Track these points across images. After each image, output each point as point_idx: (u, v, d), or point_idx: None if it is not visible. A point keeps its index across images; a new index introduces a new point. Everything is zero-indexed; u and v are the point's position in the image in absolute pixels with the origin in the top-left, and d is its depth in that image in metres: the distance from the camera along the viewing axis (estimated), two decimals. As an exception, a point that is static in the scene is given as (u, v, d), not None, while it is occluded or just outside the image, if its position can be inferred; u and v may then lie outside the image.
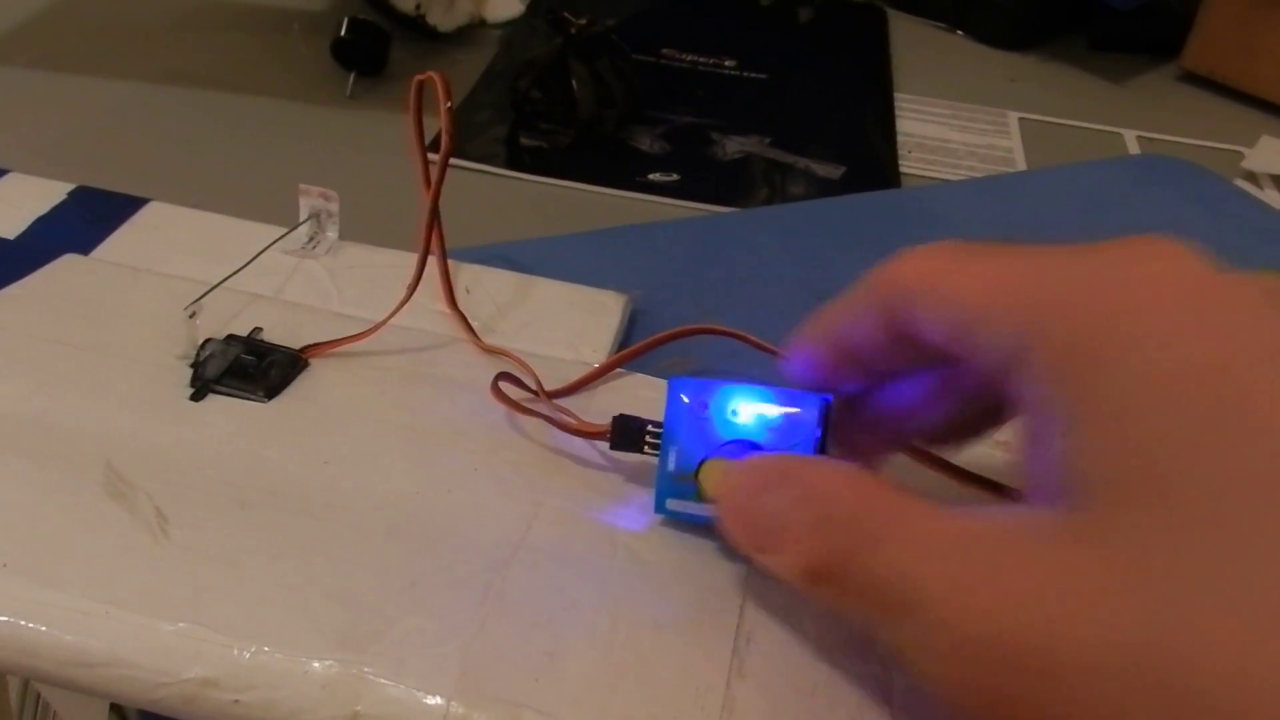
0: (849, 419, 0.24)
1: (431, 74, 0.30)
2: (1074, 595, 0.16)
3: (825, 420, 0.24)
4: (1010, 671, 0.16)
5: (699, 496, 0.24)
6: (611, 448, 0.26)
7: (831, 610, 0.21)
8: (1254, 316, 0.16)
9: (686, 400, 0.24)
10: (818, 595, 0.20)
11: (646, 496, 0.26)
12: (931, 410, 0.23)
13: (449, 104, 0.30)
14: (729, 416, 0.24)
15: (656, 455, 0.25)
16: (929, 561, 0.18)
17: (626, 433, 0.26)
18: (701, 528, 0.25)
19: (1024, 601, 0.16)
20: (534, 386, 0.29)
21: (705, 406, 0.24)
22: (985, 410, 0.23)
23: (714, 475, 0.24)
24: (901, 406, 0.24)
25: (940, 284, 0.20)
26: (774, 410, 0.24)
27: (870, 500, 0.19)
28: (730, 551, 0.25)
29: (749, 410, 0.24)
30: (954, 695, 0.17)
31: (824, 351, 0.23)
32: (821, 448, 0.24)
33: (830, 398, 0.24)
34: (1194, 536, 0.15)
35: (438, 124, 0.30)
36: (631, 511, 0.26)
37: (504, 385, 0.28)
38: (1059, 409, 0.17)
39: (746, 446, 0.24)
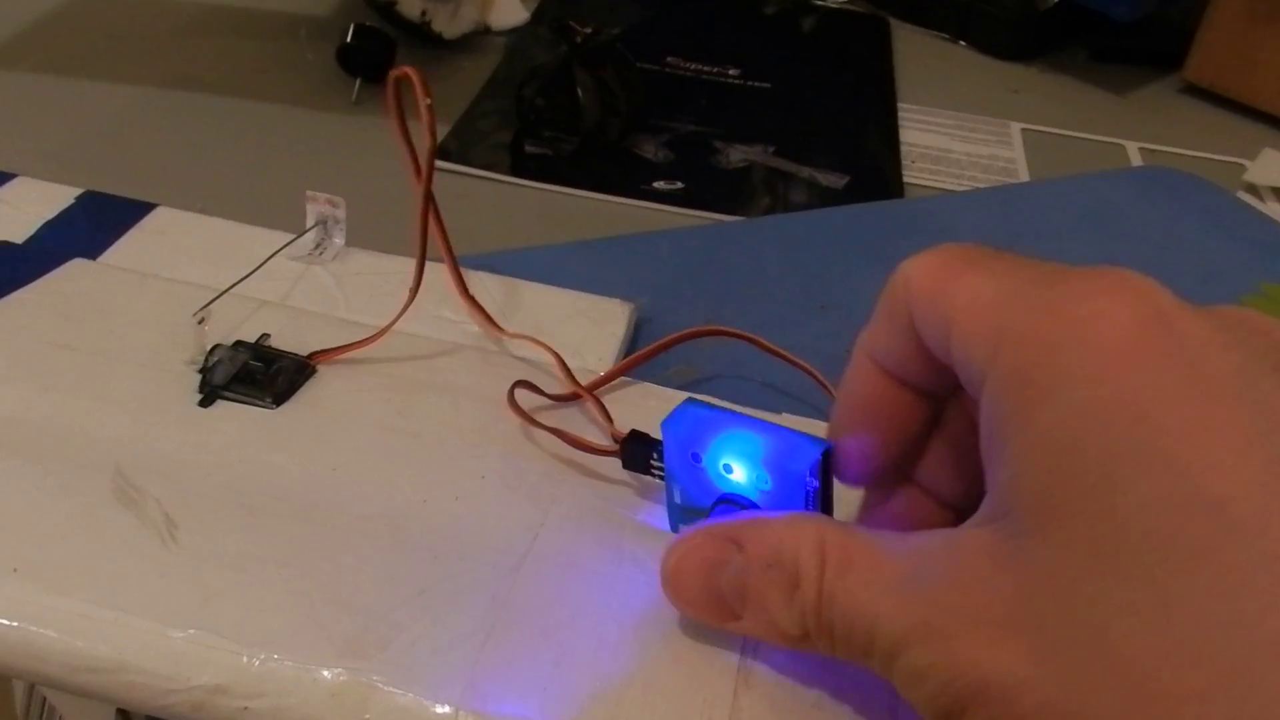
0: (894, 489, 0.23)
1: (407, 70, 0.29)
2: (999, 627, 0.17)
3: (824, 472, 0.22)
4: (961, 700, 0.17)
5: None
6: (624, 466, 0.26)
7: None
8: (1192, 353, 0.17)
9: (679, 448, 0.23)
10: (803, 650, 0.21)
11: (654, 508, 0.26)
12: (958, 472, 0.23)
13: (429, 101, 0.29)
14: (721, 471, 0.23)
15: (663, 479, 0.25)
16: (881, 603, 0.19)
17: (636, 455, 0.26)
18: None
19: (960, 632, 0.17)
20: (561, 379, 0.29)
21: (699, 459, 0.23)
22: None
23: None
24: (935, 473, 0.23)
25: (933, 291, 0.20)
26: (764, 480, 0.23)
27: (826, 551, 0.20)
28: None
29: (741, 468, 0.23)
30: None
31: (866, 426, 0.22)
32: (822, 500, 0.22)
33: (830, 445, 0.22)
34: (1097, 572, 0.16)
35: (441, 128, 0.30)
36: (639, 523, 0.26)
37: (520, 393, 0.28)
38: (1003, 433, 0.18)
39: (741, 504, 0.23)
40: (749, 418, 0.23)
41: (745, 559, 0.21)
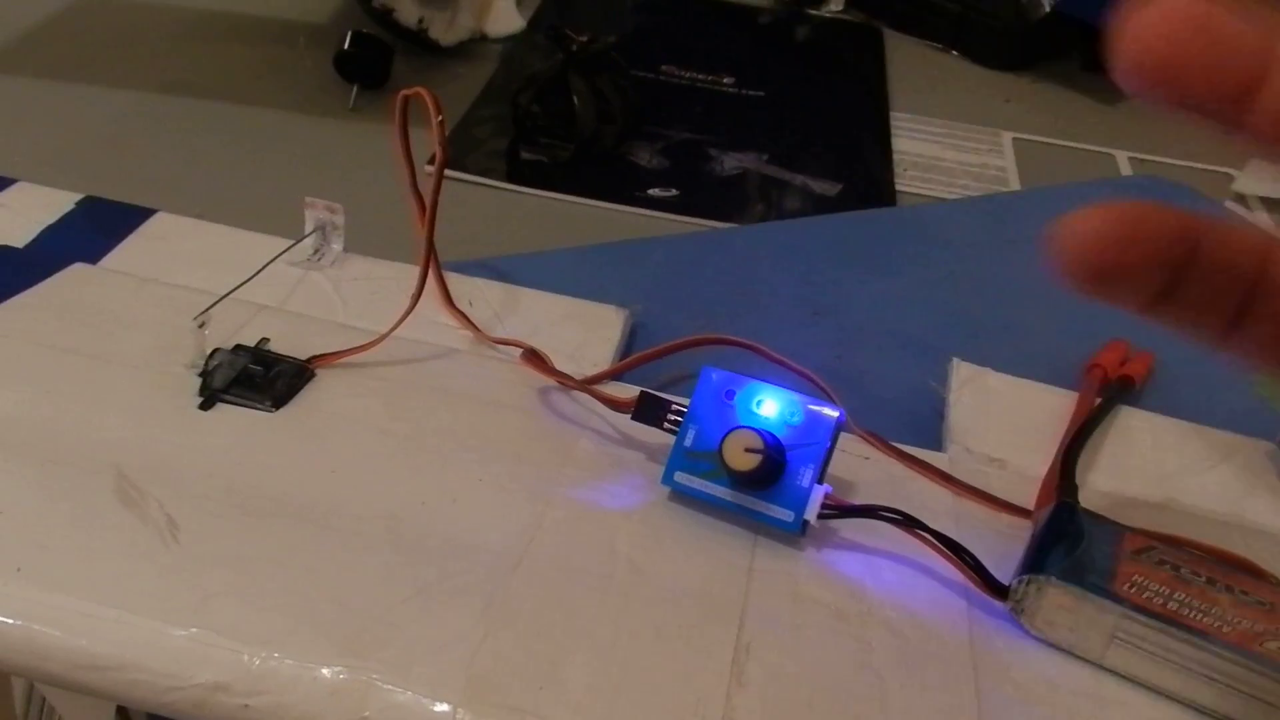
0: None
1: (419, 90, 0.30)
2: None
3: (834, 437, 0.26)
4: None
5: (711, 475, 0.27)
6: (633, 418, 0.28)
7: None
8: None
9: (715, 387, 0.27)
10: None
11: (648, 511, 0.27)
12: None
13: (440, 118, 0.30)
14: (753, 407, 0.27)
15: (674, 431, 0.27)
16: None
17: (650, 408, 0.28)
18: (698, 531, 0.26)
19: None
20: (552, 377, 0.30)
21: (732, 395, 0.27)
22: None
23: (739, 443, 0.25)
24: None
25: None
26: (795, 413, 0.26)
27: None
28: (730, 563, 0.26)
29: (772, 406, 0.27)
30: None
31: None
32: (826, 461, 0.26)
33: (844, 416, 0.26)
34: None
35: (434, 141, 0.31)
36: (633, 526, 0.26)
37: (532, 361, 0.30)
38: None
39: (763, 432, 0.26)
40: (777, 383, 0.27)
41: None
